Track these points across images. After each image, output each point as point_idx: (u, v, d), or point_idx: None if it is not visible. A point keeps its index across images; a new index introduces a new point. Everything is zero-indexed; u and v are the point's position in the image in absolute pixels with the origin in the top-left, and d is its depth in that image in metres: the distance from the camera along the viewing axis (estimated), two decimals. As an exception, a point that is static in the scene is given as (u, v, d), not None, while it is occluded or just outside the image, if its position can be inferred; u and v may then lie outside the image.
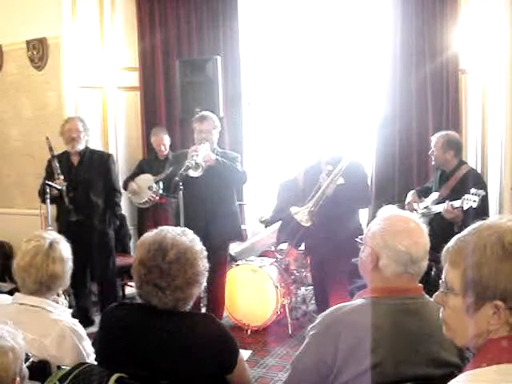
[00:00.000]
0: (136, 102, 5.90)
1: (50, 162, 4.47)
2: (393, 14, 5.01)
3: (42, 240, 2.17)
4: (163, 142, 5.46)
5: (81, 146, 4.47)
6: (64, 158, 4.48)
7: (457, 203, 3.78)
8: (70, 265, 2.24)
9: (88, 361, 2.05)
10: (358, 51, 5.44)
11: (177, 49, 5.77)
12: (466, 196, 3.66)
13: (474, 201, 3.61)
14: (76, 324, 2.11)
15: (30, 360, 1.60)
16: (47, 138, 4.38)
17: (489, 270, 1.17)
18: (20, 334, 1.52)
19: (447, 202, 3.81)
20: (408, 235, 1.74)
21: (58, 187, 4.40)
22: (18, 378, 1.47)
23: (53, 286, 2.15)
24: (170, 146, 5.56)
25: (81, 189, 4.41)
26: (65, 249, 2.23)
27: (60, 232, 4.19)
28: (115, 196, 4.62)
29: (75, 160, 4.51)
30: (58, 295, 2.27)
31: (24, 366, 1.52)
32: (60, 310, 2.17)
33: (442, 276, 1.31)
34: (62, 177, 4.29)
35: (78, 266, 4.19)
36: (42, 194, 4.30)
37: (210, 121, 4.18)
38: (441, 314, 1.33)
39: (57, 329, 2.03)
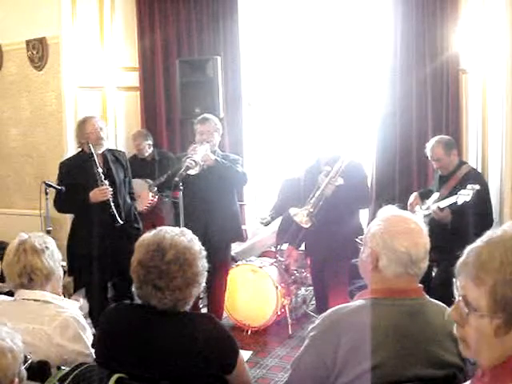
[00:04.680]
0: (136, 102, 5.90)
1: (63, 166, 4.15)
2: (393, 13, 5.01)
3: (15, 240, 2.22)
4: (140, 147, 5.46)
5: (105, 146, 4.14)
6: (90, 159, 4.01)
7: (443, 203, 3.80)
8: (54, 257, 2.22)
9: (91, 350, 2.09)
10: (358, 51, 5.43)
11: (177, 49, 5.77)
12: (462, 191, 3.67)
13: (468, 195, 3.61)
14: (79, 315, 2.14)
15: (29, 361, 1.59)
16: (87, 143, 3.99)
17: None
18: (19, 335, 1.52)
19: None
20: (408, 236, 1.74)
21: (58, 188, 4.37)
22: (16, 379, 1.46)
23: (33, 277, 2.15)
24: (155, 145, 5.57)
25: (118, 191, 4.12)
26: (38, 240, 2.21)
27: (92, 242, 4.01)
28: (133, 193, 4.44)
29: (100, 162, 4.08)
30: (60, 294, 2.28)
31: (22, 367, 1.51)
32: (60, 299, 2.21)
33: (459, 292, 1.18)
34: (106, 182, 3.95)
35: (108, 270, 4.13)
36: (60, 201, 4.04)
37: (211, 123, 4.17)
38: (456, 331, 1.21)
39: (60, 319, 2.06)
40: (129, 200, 4.26)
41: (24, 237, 2.23)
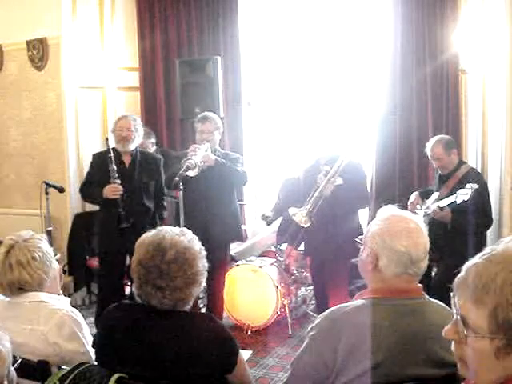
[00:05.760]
0: (136, 102, 5.89)
1: (92, 158, 4.27)
2: (393, 13, 5.01)
3: (2, 247, 2.12)
4: (143, 146, 5.40)
5: (132, 147, 4.18)
6: (115, 156, 4.10)
7: (443, 203, 3.81)
8: (36, 265, 2.10)
9: (88, 347, 2.06)
10: (358, 51, 5.44)
11: (177, 49, 5.77)
12: (460, 191, 3.68)
13: (466, 194, 3.61)
14: (75, 313, 2.11)
15: (19, 361, 1.55)
16: (107, 139, 4.14)
17: None
18: (7, 336, 1.47)
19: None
20: (407, 235, 1.74)
21: (58, 186, 4.38)
22: (5, 382, 1.42)
23: (24, 287, 2.09)
24: (157, 143, 5.53)
25: (136, 193, 4.14)
26: (23, 251, 2.09)
27: (102, 241, 4.16)
28: (163, 199, 4.46)
29: (126, 160, 4.19)
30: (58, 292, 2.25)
31: (12, 368, 1.47)
32: (55, 298, 2.16)
33: (457, 310, 1.13)
34: (118, 181, 3.99)
35: (118, 272, 4.15)
36: (84, 190, 4.20)
37: (212, 121, 4.17)
38: (453, 349, 1.17)
39: (56, 317, 2.04)
40: (149, 204, 4.23)
41: (10, 245, 2.10)
